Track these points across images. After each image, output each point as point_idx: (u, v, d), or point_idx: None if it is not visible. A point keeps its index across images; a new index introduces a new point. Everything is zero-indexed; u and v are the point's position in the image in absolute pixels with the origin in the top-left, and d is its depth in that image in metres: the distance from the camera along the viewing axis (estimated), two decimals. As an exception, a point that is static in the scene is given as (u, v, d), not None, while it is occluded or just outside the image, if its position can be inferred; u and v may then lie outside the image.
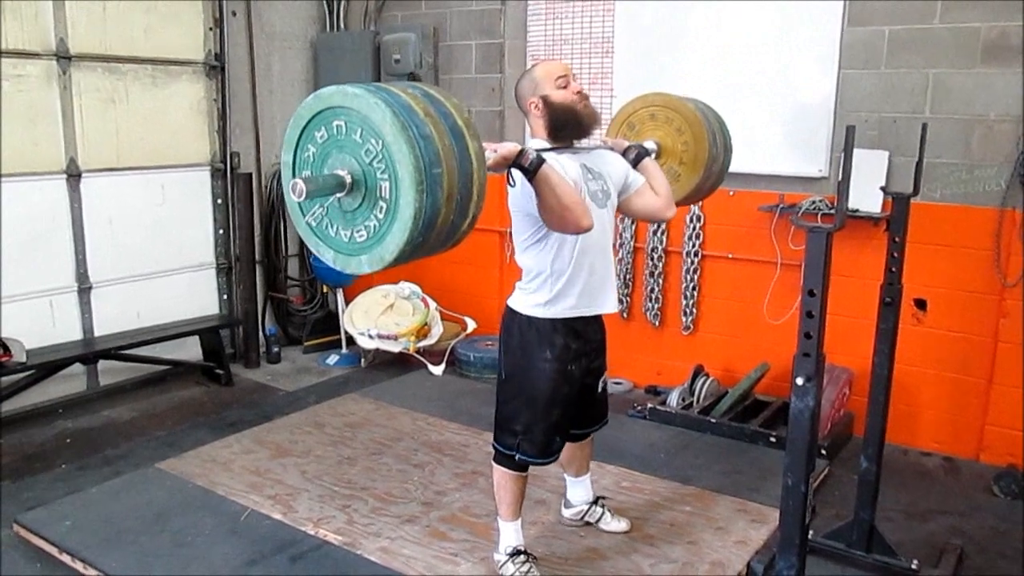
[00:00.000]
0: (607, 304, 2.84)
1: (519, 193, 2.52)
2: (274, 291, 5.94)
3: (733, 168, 4.59)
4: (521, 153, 2.36)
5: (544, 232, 2.64)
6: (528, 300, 2.77)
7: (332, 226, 2.00)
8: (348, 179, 1.90)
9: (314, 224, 2.03)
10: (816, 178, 4.38)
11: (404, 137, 1.79)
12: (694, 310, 4.87)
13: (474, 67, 5.47)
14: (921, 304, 4.16)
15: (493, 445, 2.93)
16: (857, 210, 4.10)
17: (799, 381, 2.14)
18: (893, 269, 2.92)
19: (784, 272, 4.50)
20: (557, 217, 2.46)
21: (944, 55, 3.97)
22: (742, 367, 4.67)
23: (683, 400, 4.58)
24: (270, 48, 5.76)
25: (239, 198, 5.51)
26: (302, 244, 6.09)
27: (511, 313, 2.83)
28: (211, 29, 5.33)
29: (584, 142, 2.81)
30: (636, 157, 2.90)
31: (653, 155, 3.04)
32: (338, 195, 1.93)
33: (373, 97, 1.83)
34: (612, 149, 2.93)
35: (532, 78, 2.74)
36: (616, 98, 4.89)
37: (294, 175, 2.03)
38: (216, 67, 5.37)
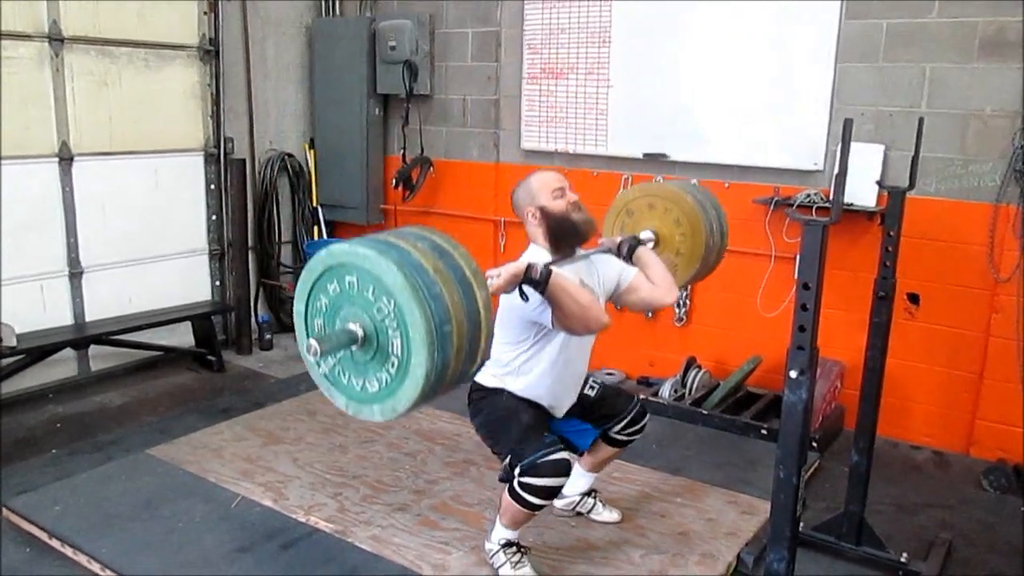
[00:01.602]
0: (564, 407, 2.94)
1: (528, 306, 2.53)
2: (267, 278, 5.92)
3: (728, 160, 4.62)
4: (529, 268, 2.40)
5: (531, 339, 2.73)
6: (492, 379, 2.85)
7: (344, 374, 2.04)
8: (360, 333, 1.94)
9: (327, 370, 2.07)
10: (811, 171, 4.37)
11: (416, 300, 1.83)
12: (687, 302, 4.87)
13: (470, 55, 5.44)
14: (914, 298, 4.17)
15: (512, 483, 2.78)
16: (852, 204, 4.10)
17: (793, 374, 2.14)
18: (887, 263, 2.92)
19: (778, 265, 4.50)
20: (578, 320, 2.51)
21: (941, 49, 3.96)
22: (734, 359, 4.68)
23: (675, 392, 4.59)
24: (265, 33, 5.72)
25: (232, 184, 5.47)
26: (295, 231, 6.06)
27: (476, 387, 2.89)
28: (205, 13, 5.29)
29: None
30: (629, 250, 2.94)
31: (651, 244, 3.08)
32: (351, 347, 1.98)
33: (384, 259, 1.86)
34: (608, 250, 2.96)
35: (528, 189, 2.80)
36: (612, 88, 4.88)
37: (307, 323, 2.08)
38: (210, 51, 5.33)
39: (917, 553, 3.14)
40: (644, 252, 2.95)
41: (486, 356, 2.05)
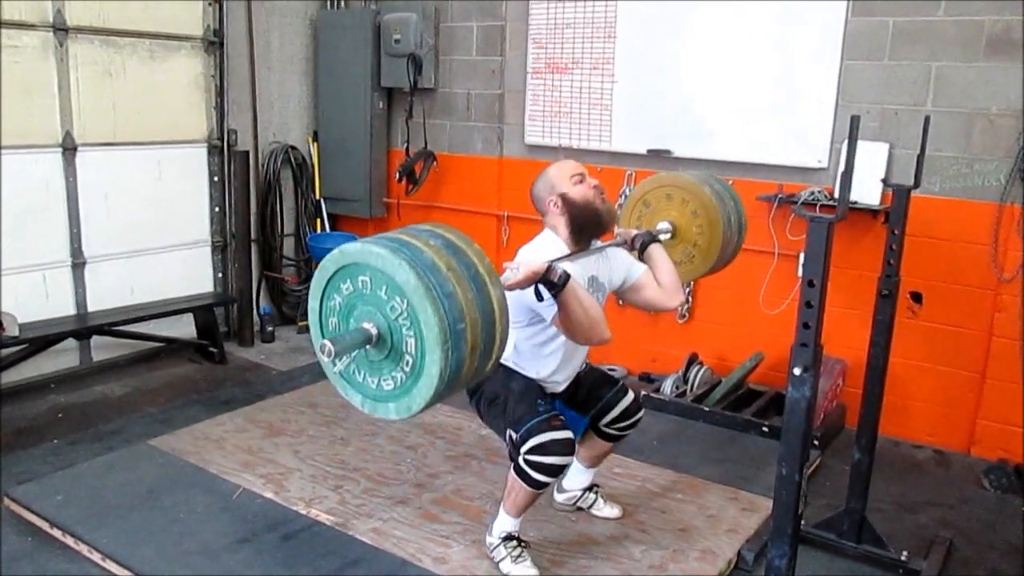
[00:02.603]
0: (559, 385, 2.93)
1: (533, 299, 2.52)
2: (269, 270, 5.91)
3: (732, 156, 4.61)
4: (549, 269, 2.38)
5: (525, 321, 2.71)
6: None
7: (359, 372, 2.05)
8: (374, 332, 1.95)
9: (341, 368, 2.07)
10: (815, 168, 4.37)
11: (429, 298, 1.84)
12: (690, 298, 4.86)
13: (475, 49, 5.43)
14: (917, 297, 4.16)
15: (517, 460, 2.79)
16: (856, 202, 4.09)
17: (796, 371, 2.13)
18: (891, 261, 2.92)
19: (781, 262, 4.49)
20: (583, 330, 2.50)
21: (947, 48, 3.95)
22: (736, 356, 4.68)
23: (677, 388, 4.59)
24: (269, 25, 5.70)
25: (236, 176, 5.47)
26: (298, 224, 6.06)
27: None
28: (210, 4, 5.27)
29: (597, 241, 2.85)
30: (642, 246, 2.91)
31: (668, 235, 3.06)
32: (366, 346, 1.98)
33: (396, 258, 1.87)
34: (623, 242, 2.94)
35: (547, 179, 2.79)
36: (617, 83, 4.87)
37: (321, 322, 2.09)
38: (215, 43, 5.32)
39: (917, 551, 3.14)
40: (656, 250, 2.92)
41: (501, 353, 2.04)
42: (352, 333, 1.96)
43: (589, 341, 2.60)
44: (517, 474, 2.76)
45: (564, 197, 2.73)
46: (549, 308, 2.51)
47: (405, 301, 1.87)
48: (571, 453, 2.73)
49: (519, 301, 2.57)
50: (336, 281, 2.02)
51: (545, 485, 2.77)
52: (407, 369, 1.94)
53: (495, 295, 1.98)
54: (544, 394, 2.87)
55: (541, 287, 2.41)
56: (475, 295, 1.93)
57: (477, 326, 1.92)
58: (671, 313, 4.92)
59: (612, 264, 2.88)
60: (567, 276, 2.40)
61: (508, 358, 2.79)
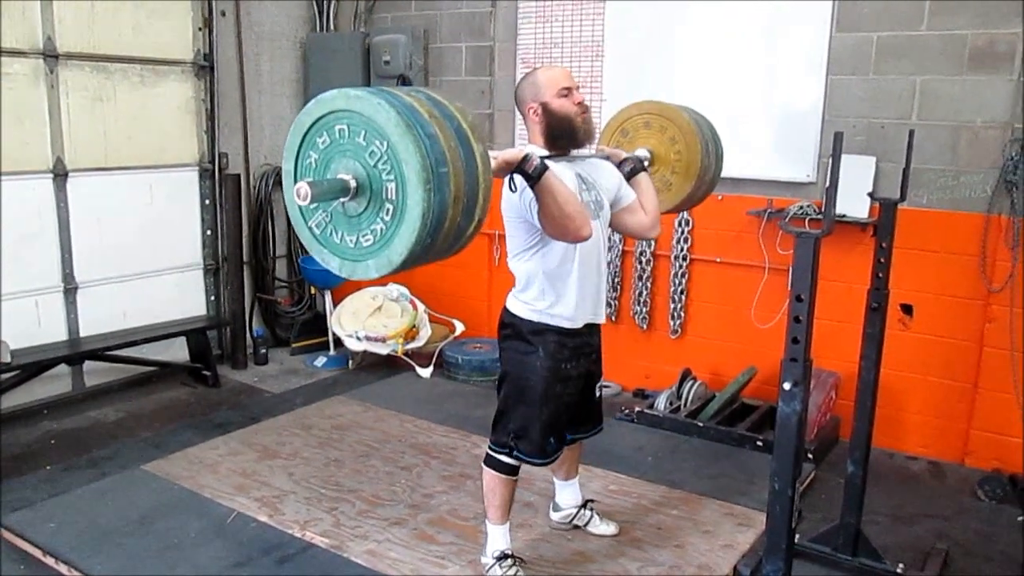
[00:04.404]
0: (598, 315, 2.86)
1: (517, 199, 2.51)
2: (262, 292, 5.92)
3: (722, 172, 4.62)
4: (525, 159, 2.33)
5: (539, 239, 2.64)
6: (523, 306, 2.79)
7: (336, 232, 1.96)
8: (353, 183, 1.86)
9: (317, 232, 1.99)
10: (804, 183, 4.40)
11: (410, 136, 1.77)
12: (682, 314, 4.88)
13: (464, 69, 5.47)
14: (907, 309, 4.18)
15: (488, 447, 2.91)
16: (844, 215, 4.11)
17: (786, 386, 2.15)
18: (880, 274, 2.94)
19: (772, 276, 4.52)
20: (559, 225, 2.45)
21: (932, 62, 3.99)
22: (730, 371, 4.69)
23: (671, 404, 4.59)
24: (259, 48, 5.74)
25: (227, 199, 5.48)
26: (290, 245, 6.07)
27: (507, 314, 2.84)
28: (200, 29, 5.31)
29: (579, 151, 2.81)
30: (631, 171, 2.89)
31: (647, 163, 3.03)
32: (342, 200, 1.89)
33: (376, 98, 1.81)
34: (608, 158, 2.92)
35: (534, 83, 2.73)
36: (606, 102, 4.90)
37: (296, 183, 1.98)
38: (205, 67, 5.35)
39: (913, 563, 3.14)
40: (643, 178, 2.90)
41: (484, 215, 1.96)
42: (330, 180, 1.88)
43: (564, 236, 2.51)
44: (488, 464, 2.89)
45: (545, 107, 2.68)
46: (533, 205, 2.46)
47: (385, 143, 1.80)
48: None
49: (518, 217, 2.59)
50: (312, 136, 1.93)
51: (515, 469, 2.87)
52: (387, 218, 1.84)
53: (478, 150, 1.90)
54: (561, 420, 2.87)
55: (516, 177, 2.36)
56: (457, 144, 1.85)
57: (460, 177, 1.84)
58: (664, 328, 4.94)
59: (598, 171, 2.83)
60: (544, 167, 2.35)
61: (536, 309, 2.74)
